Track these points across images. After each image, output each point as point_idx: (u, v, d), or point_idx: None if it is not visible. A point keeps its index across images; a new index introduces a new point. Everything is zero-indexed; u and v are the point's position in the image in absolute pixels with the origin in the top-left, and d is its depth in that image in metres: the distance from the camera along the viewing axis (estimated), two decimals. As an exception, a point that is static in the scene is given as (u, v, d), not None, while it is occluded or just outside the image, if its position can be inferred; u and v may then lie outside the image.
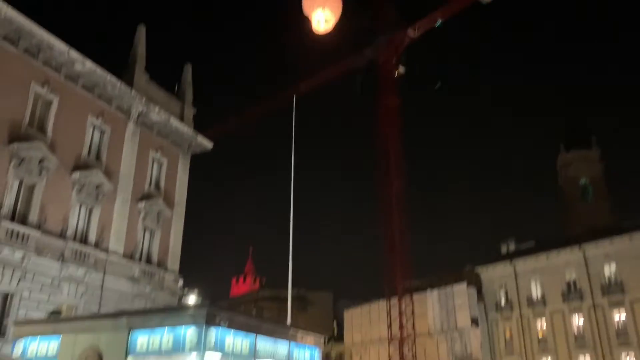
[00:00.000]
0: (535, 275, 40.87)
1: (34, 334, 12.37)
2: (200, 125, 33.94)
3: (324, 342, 16.14)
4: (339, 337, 55.25)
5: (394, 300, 45.68)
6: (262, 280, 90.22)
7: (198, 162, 38.15)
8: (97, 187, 26.16)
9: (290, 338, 12.80)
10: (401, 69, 50.61)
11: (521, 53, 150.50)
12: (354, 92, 50.97)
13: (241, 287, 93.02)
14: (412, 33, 48.81)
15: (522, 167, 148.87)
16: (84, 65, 25.80)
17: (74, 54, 25.26)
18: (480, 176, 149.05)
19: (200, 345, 9.75)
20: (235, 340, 10.66)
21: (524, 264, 41.51)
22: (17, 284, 21.54)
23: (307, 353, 13.35)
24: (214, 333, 9.97)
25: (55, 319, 14.89)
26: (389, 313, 45.62)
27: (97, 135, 27.10)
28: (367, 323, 50.31)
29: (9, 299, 21.32)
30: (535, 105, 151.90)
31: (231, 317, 10.42)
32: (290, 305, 24.24)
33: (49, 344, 10.65)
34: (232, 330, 10.56)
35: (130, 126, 28.87)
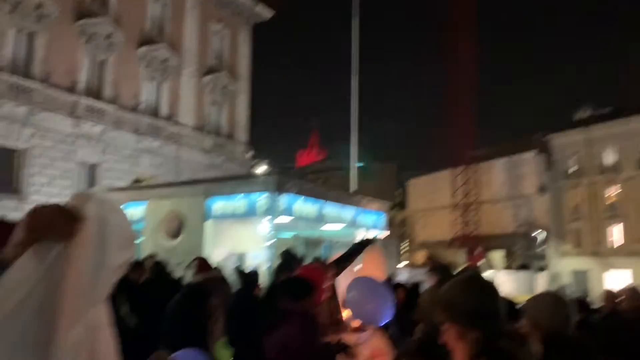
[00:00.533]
0: (611, 142, 39.12)
1: (121, 201, 13.49)
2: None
3: (388, 209, 16.64)
4: (402, 205, 56.78)
5: (459, 169, 45.75)
6: (327, 152, 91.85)
7: (261, 33, 37.33)
8: (163, 61, 26.55)
9: (356, 204, 13.28)
10: None
11: None
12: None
13: (306, 158, 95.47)
14: None
15: (610, 30, 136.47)
16: None
17: None
18: (557, 45, 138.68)
19: (272, 210, 10.33)
20: (304, 205, 11.18)
21: (599, 130, 39.63)
22: (102, 156, 23.05)
23: (373, 218, 13.87)
24: (284, 199, 10.48)
25: (139, 186, 16.08)
26: (453, 181, 45.99)
27: (157, 8, 26.89)
28: (431, 192, 51.03)
29: (95, 169, 23.00)
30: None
31: (300, 185, 10.85)
32: (354, 175, 24.99)
33: (135, 210, 11.59)
34: (301, 197, 11.05)
35: (190, -4, 28.29)
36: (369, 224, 13.59)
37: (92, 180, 22.77)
